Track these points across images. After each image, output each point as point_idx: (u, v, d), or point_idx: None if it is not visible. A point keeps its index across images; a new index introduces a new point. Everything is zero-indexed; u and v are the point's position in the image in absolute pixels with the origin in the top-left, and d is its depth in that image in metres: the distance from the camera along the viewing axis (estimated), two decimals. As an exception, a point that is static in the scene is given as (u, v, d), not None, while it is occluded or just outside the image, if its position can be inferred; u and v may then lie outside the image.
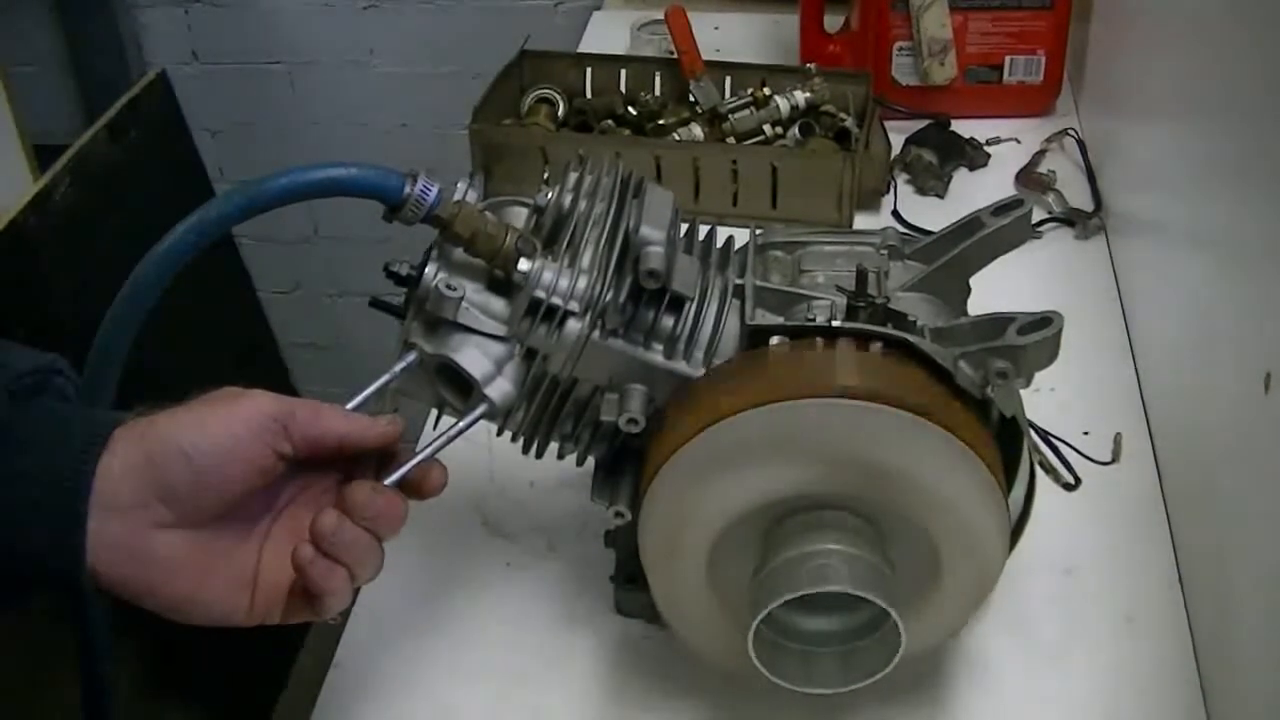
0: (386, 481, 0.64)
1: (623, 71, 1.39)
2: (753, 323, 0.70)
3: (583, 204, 0.72)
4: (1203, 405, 0.87)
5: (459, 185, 0.70)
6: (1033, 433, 0.91)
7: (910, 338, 0.68)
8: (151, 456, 0.58)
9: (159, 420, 0.60)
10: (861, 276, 0.70)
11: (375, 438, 0.64)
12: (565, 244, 0.70)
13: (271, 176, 0.65)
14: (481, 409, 0.69)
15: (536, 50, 1.39)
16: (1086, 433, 0.96)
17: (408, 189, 0.66)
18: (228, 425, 0.60)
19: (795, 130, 1.31)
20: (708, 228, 0.78)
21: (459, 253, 0.69)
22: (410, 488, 0.65)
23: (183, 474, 0.58)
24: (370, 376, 0.69)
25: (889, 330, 0.68)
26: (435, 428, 0.74)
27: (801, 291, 0.73)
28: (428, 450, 0.66)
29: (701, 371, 0.70)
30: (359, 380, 0.68)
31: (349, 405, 0.66)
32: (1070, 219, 1.23)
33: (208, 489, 0.59)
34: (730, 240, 0.78)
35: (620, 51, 1.50)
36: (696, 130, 1.30)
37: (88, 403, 0.66)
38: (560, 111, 1.36)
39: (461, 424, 0.69)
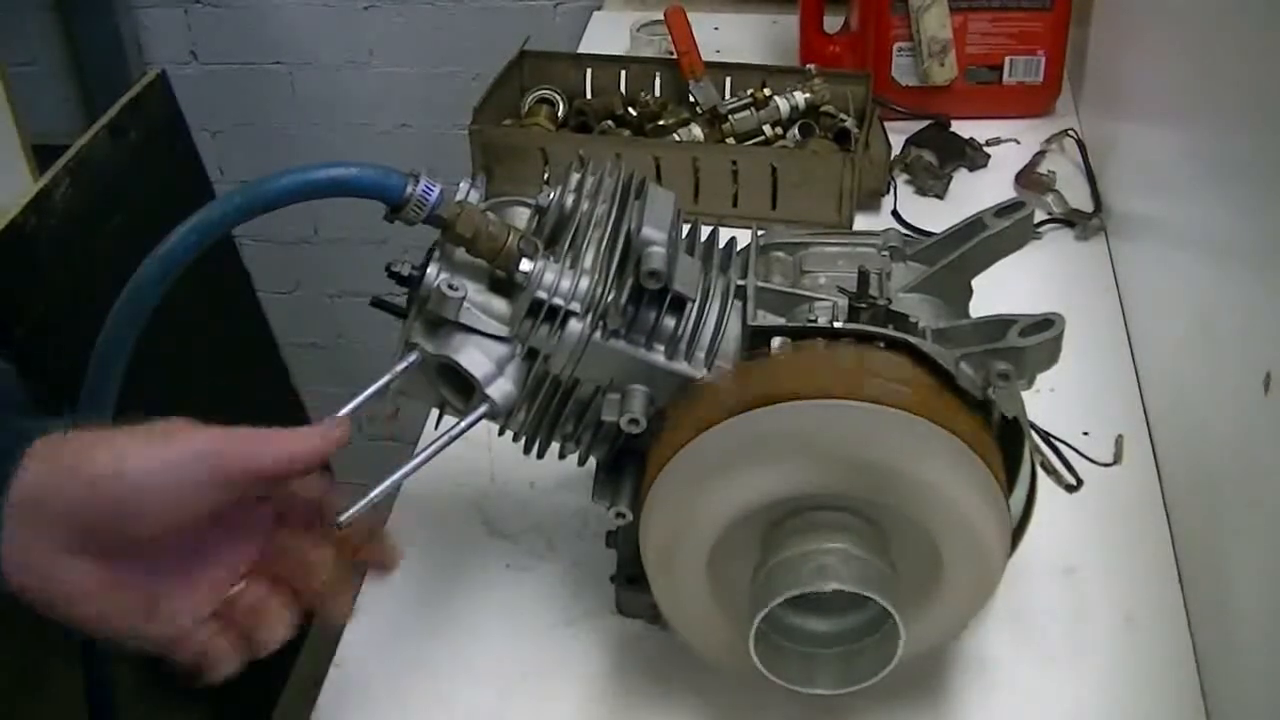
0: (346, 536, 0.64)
1: (623, 72, 1.39)
2: (754, 324, 0.70)
3: (584, 205, 0.72)
4: (1203, 405, 0.87)
5: (461, 185, 0.70)
6: (1034, 434, 0.91)
7: (912, 339, 0.68)
8: (59, 479, 0.56)
9: (83, 440, 0.57)
10: (863, 278, 0.70)
11: (331, 444, 0.62)
12: (567, 245, 0.70)
13: (273, 177, 0.65)
14: (483, 409, 0.69)
15: (536, 50, 1.39)
16: (1086, 433, 0.96)
17: (409, 189, 0.66)
18: (146, 461, 0.57)
19: (795, 131, 1.31)
20: (709, 229, 0.78)
21: (461, 253, 0.69)
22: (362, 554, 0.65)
23: (91, 502, 0.56)
24: (370, 376, 0.69)
25: (890, 331, 0.68)
26: (436, 428, 0.74)
27: (803, 293, 0.73)
28: (379, 490, 0.65)
29: (703, 372, 0.70)
30: (359, 380, 0.68)
31: (350, 406, 0.66)
32: (1070, 220, 1.23)
33: (116, 522, 0.57)
34: (732, 241, 0.78)
35: (620, 52, 1.50)
36: (696, 131, 1.30)
37: (90, 405, 0.65)
38: (560, 112, 1.36)
39: (463, 424, 0.69)
